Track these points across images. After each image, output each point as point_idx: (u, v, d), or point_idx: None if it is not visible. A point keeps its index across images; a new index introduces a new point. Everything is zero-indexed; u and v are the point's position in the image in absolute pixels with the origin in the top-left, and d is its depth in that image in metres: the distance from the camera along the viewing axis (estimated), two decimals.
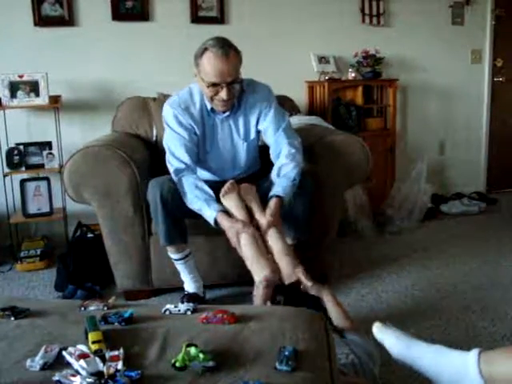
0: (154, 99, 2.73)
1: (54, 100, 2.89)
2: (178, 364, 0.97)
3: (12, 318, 1.21)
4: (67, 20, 3.02)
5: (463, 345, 1.65)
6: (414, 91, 3.81)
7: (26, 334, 1.14)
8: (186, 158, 2.01)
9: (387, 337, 1.45)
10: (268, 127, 2.09)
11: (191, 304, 1.26)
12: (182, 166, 2.00)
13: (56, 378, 0.94)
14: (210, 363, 0.97)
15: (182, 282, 2.20)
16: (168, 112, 2.08)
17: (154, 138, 2.65)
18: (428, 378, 1.36)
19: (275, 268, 1.76)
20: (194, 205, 1.94)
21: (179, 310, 1.25)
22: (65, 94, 3.01)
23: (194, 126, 2.05)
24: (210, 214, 1.89)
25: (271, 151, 2.11)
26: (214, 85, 1.92)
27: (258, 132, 2.14)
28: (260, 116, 2.09)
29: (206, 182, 2.01)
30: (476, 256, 2.74)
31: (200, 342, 1.03)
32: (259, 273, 1.75)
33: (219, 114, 2.07)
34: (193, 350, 0.99)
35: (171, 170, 2.02)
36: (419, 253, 2.82)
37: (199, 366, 0.97)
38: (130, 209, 2.14)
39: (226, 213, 1.89)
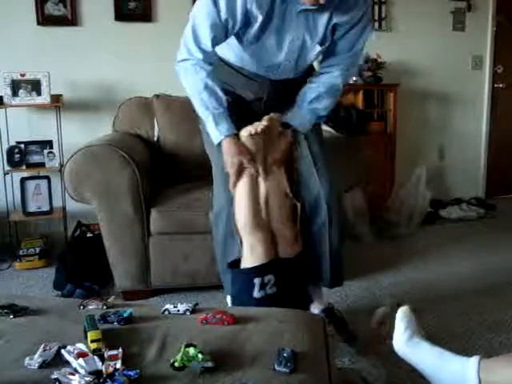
0: (157, 96, 2.73)
1: (56, 99, 2.90)
2: (176, 364, 0.97)
3: (11, 316, 1.21)
4: (70, 20, 3.04)
5: (461, 350, 1.64)
6: (414, 96, 3.81)
7: (25, 332, 1.14)
8: (208, 45, 1.56)
9: (402, 325, 1.44)
10: (344, 43, 1.66)
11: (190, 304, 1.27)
12: (199, 55, 1.57)
13: (54, 376, 0.94)
14: (209, 364, 0.98)
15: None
16: None
17: (156, 138, 2.65)
18: (427, 379, 1.37)
19: (268, 248, 1.55)
20: (197, 108, 1.63)
21: (178, 311, 1.25)
22: (66, 94, 3.02)
23: (257, 14, 1.51)
24: (215, 134, 1.59)
25: (324, 59, 1.74)
26: None
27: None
28: (347, 24, 1.61)
29: (238, 68, 1.67)
30: (474, 261, 2.74)
31: (199, 343, 1.03)
32: (248, 251, 1.55)
33: (297, 3, 1.53)
34: (192, 351, 0.99)
35: (182, 52, 1.62)
36: (417, 257, 2.82)
37: (198, 367, 0.97)
38: (129, 209, 2.14)
39: (236, 136, 1.58)
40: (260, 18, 1.52)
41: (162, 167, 2.61)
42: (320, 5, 1.49)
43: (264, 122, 1.57)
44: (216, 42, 1.58)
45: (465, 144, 4.05)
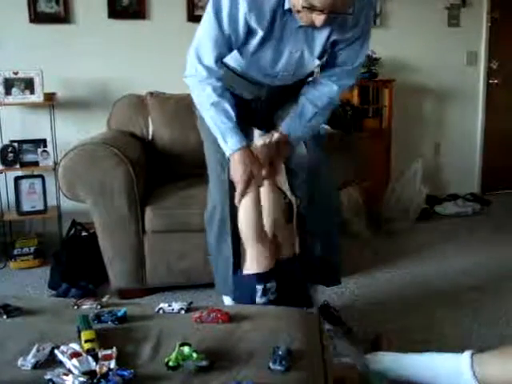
0: (152, 93, 2.72)
1: (49, 97, 2.88)
2: (171, 363, 0.97)
3: (4, 317, 1.21)
4: (63, 17, 3.02)
5: (454, 346, 1.65)
6: (409, 92, 3.81)
7: (19, 333, 1.13)
8: (212, 63, 1.56)
9: (378, 361, 1.47)
10: (345, 57, 1.66)
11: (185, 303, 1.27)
12: (203, 73, 1.57)
13: (48, 376, 0.94)
14: (203, 362, 0.97)
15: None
16: None
17: (150, 137, 2.64)
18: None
19: (270, 258, 1.58)
20: (207, 122, 1.62)
21: (173, 309, 1.24)
22: (60, 92, 3.00)
23: (257, 28, 1.50)
24: (225, 148, 1.58)
25: (324, 69, 1.71)
26: (311, 7, 1.39)
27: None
28: (347, 41, 1.63)
29: (237, 72, 1.68)
30: (469, 257, 2.75)
31: (193, 341, 1.03)
32: (250, 260, 1.58)
33: (296, 20, 1.51)
34: (186, 349, 0.98)
35: (188, 67, 1.62)
36: (413, 253, 2.82)
37: (192, 366, 0.97)
38: (124, 207, 2.13)
39: (248, 148, 1.57)
40: (260, 33, 1.52)
41: (157, 165, 2.60)
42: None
43: (277, 134, 1.61)
44: (220, 58, 1.59)
45: (460, 139, 4.05)
